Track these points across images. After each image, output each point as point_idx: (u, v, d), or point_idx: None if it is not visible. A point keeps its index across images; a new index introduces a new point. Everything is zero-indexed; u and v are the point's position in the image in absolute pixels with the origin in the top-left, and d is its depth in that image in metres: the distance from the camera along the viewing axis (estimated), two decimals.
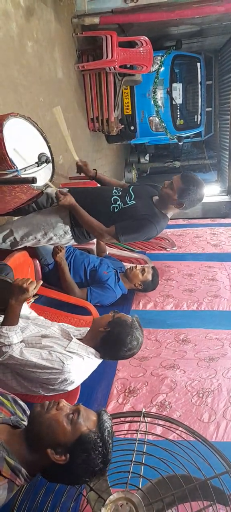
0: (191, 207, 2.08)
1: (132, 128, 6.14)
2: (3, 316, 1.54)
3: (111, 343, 1.55)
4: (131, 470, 1.22)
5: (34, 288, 1.40)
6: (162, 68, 5.89)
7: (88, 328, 1.67)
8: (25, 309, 1.73)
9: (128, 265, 3.05)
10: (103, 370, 1.98)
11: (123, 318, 1.58)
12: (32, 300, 2.31)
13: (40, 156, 1.74)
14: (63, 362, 1.40)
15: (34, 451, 0.99)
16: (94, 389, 1.98)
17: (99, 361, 1.60)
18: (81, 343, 1.56)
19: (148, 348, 2.39)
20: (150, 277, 2.79)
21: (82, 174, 2.34)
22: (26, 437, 1.01)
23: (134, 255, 3.54)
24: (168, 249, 3.77)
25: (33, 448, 0.99)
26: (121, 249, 3.54)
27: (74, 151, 2.28)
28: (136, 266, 2.82)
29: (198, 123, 7.03)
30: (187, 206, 2.05)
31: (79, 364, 1.48)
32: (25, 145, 1.74)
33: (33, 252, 2.40)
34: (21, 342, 1.44)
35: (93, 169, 2.33)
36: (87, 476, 1.01)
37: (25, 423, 1.10)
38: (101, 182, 2.37)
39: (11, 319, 1.41)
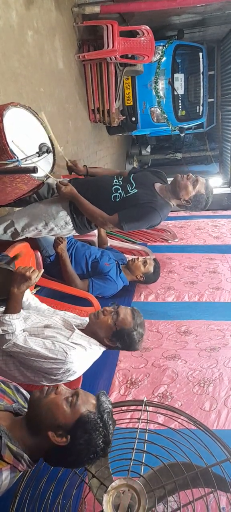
0: (193, 210, 2.13)
1: (133, 119, 6.08)
2: (3, 307, 1.55)
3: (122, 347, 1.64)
4: (133, 458, 1.23)
5: (36, 277, 1.40)
6: (164, 58, 5.81)
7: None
8: (27, 295, 1.73)
9: (129, 257, 3.05)
10: (105, 360, 1.99)
11: (124, 325, 1.57)
12: (34, 291, 2.32)
13: (41, 146, 1.73)
14: (66, 353, 1.41)
15: (36, 435, 1.00)
16: (96, 379, 1.99)
17: (102, 350, 1.61)
18: (84, 334, 1.56)
19: (149, 339, 2.39)
20: (151, 269, 2.79)
21: (73, 174, 2.29)
22: (27, 422, 1.02)
23: (135, 247, 3.54)
24: (169, 241, 3.77)
25: (34, 432, 1.00)
26: (122, 241, 3.54)
27: (63, 153, 2.22)
28: (137, 258, 2.82)
29: (200, 114, 6.96)
30: (191, 208, 2.09)
31: (82, 355, 1.49)
32: (25, 135, 1.73)
33: (35, 243, 2.40)
34: (24, 331, 1.44)
35: (84, 166, 2.29)
36: (89, 456, 1.01)
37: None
38: (94, 176, 2.33)
39: (14, 307, 1.41)
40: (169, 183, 2.16)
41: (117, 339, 1.59)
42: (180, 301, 2.86)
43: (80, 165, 2.27)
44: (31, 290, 2.21)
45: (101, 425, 1.01)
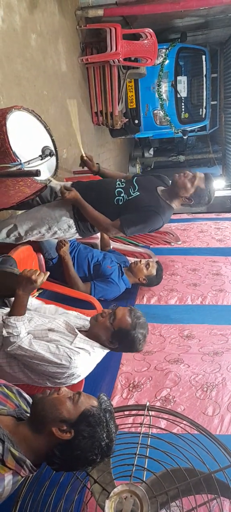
0: (196, 207, 2.11)
1: (136, 121, 6.09)
2: (6, 308, 1.54)
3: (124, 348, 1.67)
4: (135, 463, 1.22)
5: (41, 280, 1.40)
6: (167, 61, 5.83)
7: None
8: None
9: (131, 259, 3.04)
10: (108, 364, 1.98)
11: (122, 325, 1.56)
12: (36, 294, 2.32)
13: (44, 149, 1.73)
14: (70, 358, 1.40)
15: (39, 433, 1.00)
16: (98, 383, 1.98)
17: (105, 352, 1.61)
18: (86, 338, 1.56)
19: (152, 342, 2.38)
20: (154, 271, 2.79)
21: (85, 168, 2.33)
22: (30, 423, 1.03)
23: (138, 249, 3.53)
24: (172, 244, 3.76)
25: (38, 430, 1.00)
26: (124, 243, 3.53)
27: (81, 145, 2.28)
28: (140, 261, 2.81)
29: (203, 116, 6.96)
30: (194, 204, 2.07)
31: (86, 359, 1.49)
32: (29, 138, 1.73)
33: (37, 246, 2.40)
34: (28, 333, 1.44)
35: (96, 163, 2.32)
36: (94, 451, 1.01)
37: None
38: (104, 176, 2.36)
39: (19, 310, 1.41)
40: None
41: (116, 340, 1.58)
42: (182, 304, 2.85)
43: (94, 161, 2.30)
44: (33, 293, 2.21)
45: (104, 420, 1.03)
